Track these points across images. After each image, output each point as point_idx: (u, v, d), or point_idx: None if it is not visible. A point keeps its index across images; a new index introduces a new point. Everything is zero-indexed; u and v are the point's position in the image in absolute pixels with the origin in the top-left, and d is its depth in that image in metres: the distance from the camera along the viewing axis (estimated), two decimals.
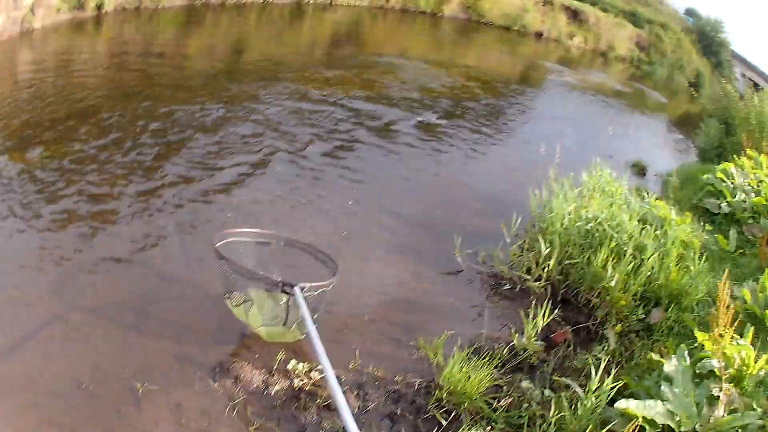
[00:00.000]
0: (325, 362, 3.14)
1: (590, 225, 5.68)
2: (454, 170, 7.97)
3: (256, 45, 12.65)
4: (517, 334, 4.70)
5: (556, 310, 4.83)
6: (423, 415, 3.86)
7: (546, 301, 5.01)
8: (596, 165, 7.10)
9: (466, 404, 3.88)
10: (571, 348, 4.78)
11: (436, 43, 17.72)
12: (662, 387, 3.66)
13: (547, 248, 5.43)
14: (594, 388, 3.70)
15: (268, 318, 4.09)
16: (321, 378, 3.96)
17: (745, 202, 7.67)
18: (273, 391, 3.83)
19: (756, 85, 21.47)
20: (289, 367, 3.98)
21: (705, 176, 8.40)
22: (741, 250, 6.78)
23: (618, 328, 4.91)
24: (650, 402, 3.56)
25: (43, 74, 8.29)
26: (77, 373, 3.70)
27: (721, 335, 3.91)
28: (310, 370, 4.00)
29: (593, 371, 3.79)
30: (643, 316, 5.03)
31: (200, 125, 7.53)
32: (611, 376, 3.77)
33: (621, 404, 3.56)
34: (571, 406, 3.79)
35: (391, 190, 7.06)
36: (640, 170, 10.08)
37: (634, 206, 6.23)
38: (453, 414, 3.89)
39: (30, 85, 7.77)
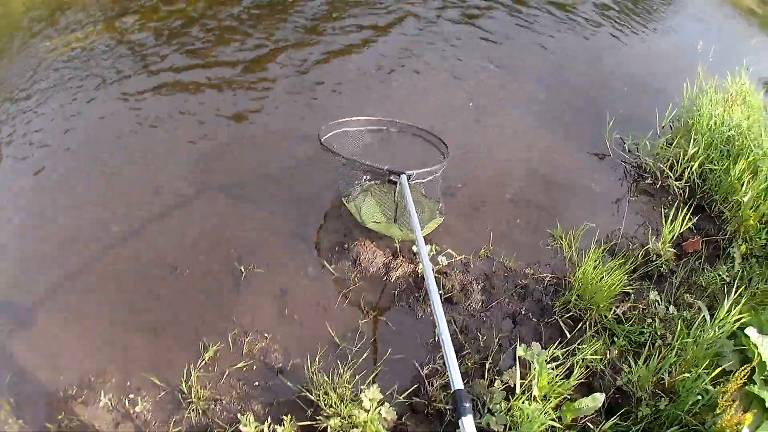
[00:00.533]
0: (426, 263, 2.99)
1: (732, 132, 5.23)
2: (601, 47, 7.19)
3: None
4: (653, 238, 4.56)
5: (691, 216, 4.62)
6: (547, 319, 3.84)
7: (683, 204, 4.91)
8: (741, 72, 6.29)
9: (593, 311, 3.84)
10: (699, 261, 4.61)
11: None
12: None
13: (694, 148, 5.09)
14: (721, 317, 3.61)
15: (381, 212, 3.97)
16: (448, 264, 3.94)
17: None
18: (393, 277, 3.80)
19: None
20: (415, 249, 3.88)
21: None
22: None
23: (743, 248, 4.66)
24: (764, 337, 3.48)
25: None
26: (183, 251, 3.85)
27: None
28: (438, 254, 3.95)
29: (725, 300, 3.68)
30: (765, 240, 4.76)
31: None
32: (738, 306, 3.63)
33: (750, 332, 3.51)
34: (689, 329, 3.76)
35: (533, 61, 6.50)
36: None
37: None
38: (576, 323, 3.86)
39: None
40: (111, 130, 4.84)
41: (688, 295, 4.22)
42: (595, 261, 3.90)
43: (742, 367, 3.31)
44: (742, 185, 4.83)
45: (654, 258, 4.43)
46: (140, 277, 3.79)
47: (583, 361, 3.49)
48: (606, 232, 4.61)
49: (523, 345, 3.50)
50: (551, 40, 6.87)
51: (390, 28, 6.33)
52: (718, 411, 3.15)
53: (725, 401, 3.16)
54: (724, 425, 3.06)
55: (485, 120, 5.34)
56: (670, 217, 4.50)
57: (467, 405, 2.23)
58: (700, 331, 3.63)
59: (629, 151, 5.45)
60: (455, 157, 4.58)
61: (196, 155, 4.61)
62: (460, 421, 2.20)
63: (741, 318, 3.60)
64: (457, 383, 2.36)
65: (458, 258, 4.05)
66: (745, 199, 4.72)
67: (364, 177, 3.97)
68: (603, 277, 3.81)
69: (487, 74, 5.96)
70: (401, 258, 3.94)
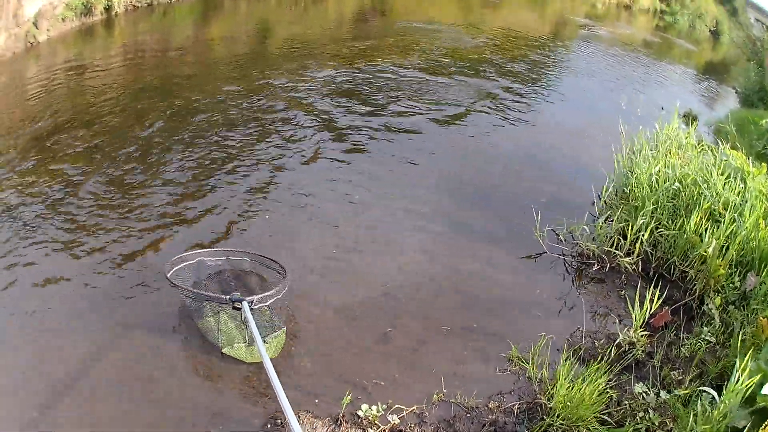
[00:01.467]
0: (277, 385, 2.95)
1: (677, 185, 5.08)
2: (509, 135, 7.29)
3: (280, 27, 12.02)
4: (620, 327, 4.19)
5: (656, 291, 4.21)
6: None
7: (644, 281, 4.70)
8: (666, 117, 6.45)
9: (580, 428, 3.30)
10: (673, 332, 4.22)
11: (465, 8, 17.03)
12: None
13: (642, 217, 4.83)
14: (733, 389, 3.14)
15: (233, 338, 3.85)
16: (400, 421, 3.43)
17: None
18: None
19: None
20: (360, 412, 3.42)
21: (764, 122, 7.71)
22: None
23: (718, 300, 4.29)
24: None
25: (54, 84, 7.86)
26: None
27: None
28: (387, 411, 3.46)
29: (735, 372, 3.21)
30: (739, 283, 4.43)
31: (226, 116, 7.10)
32: (746, 371, 3.18)
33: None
34: (685, 405, 3.41)
35: (447, 162, 6.43)
36: (691, 119, 9.38)
37: (716, 159, 5.56)
38: None
39: (41, 96, 7.40)
40: None
41: (674, 372, 3.79)
42: (569, 376, 3.46)
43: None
44: (702, 237, 4.57)
45: (627, 348, 3.99)
46: None
47: None
48: (567, 337, 4.18)
49: None
50: (462, 139, 6.95)
51: None
52: None
53: None
54: None
55: (405, 242, 5.07)
56: (636, 301, 4.12)
57: None
58: (709, 412, 3.19)
59: (565, 241, 5.14)
60: (378, 298, 4.36)
61: None
62: None
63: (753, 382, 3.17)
64: None
65: (410, 410, 3.50)
66: (710, 250, 4.43)
67: (209, 306, 3.95)
68: (582, 390, 3.34)
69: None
70: (345, 425, 3.38)
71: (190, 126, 6.69)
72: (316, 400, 3.49)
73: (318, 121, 7.06)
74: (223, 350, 3.77)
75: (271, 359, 3.30)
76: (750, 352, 3.43)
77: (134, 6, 11.37)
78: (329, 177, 5.93)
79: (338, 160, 6.29)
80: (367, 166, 6.18)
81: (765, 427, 2.90)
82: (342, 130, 6.94)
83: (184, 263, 4.16)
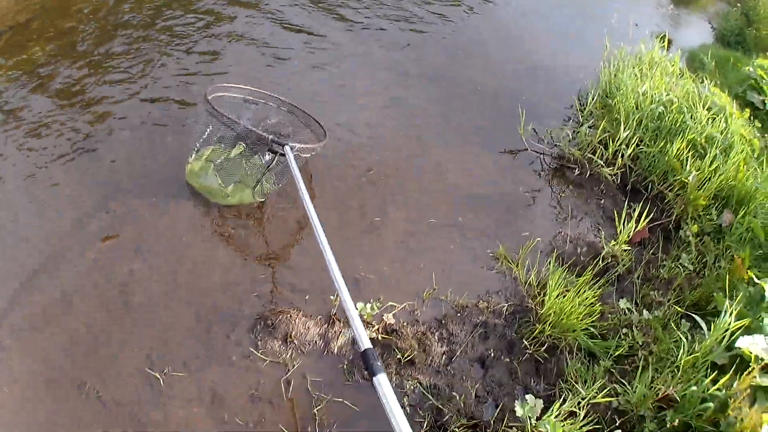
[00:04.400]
0: (322, 237, 2.94)
1: (662, 108, 5.13)
2: (489, 33, 6.93)
3: None
4: (603, 238, 4.36)
5: (636, 207, 4.40)
6: (519, 356, 3.47)
7: (622, 193, 4.82)
8: (639, 33, 6.39)
9: (568, 338, 3.50)
10: (652, 251, 4.41)
11: None
12: (765, 319, 3.46)
13: (627, 131, 4.90)
14: (722, 327, 3.36)
15: (226, 180, 3.93)
16: (395, 320, 3.52)
17: None
18: (336, 348, 3.35)
19: None
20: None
21: (746, 68, 7.77)
22: None
23: (695, 228, 4.54)
24: (756, 337, 3.35)
25: None
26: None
27: None
28: (381, 310, 3.53)
29: (724, 312, 3.40)
30: (716, 216, 4.67)
31: None
32: (732, 314, 3.38)
33: (742, 342, 3.30)
34: (665, 326, 3.64)
35: (429, 49, 6.12)
36: (666, 43, 9.28)
37: (700, 93, 5.63)
38: (550, 352, 3.51)
39: None
40: None
41: (654, 292, 4.01)
42: (559, 285, 3.60)
43: (750, 366, 3.16)
44: (683, 164, 4.70)
45: (611, 261, 4.18)
46: None
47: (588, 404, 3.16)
48: (549, 239, 4.31)
49: (517, 402, 3.13)
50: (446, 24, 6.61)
51: None
52: (730, 412, 3.01)
53: (738, 402, 3.02)
54: (744, 427, 2.92)
55: (393, 132, 4.94)
56: (623, 215, 4.27)
57: (378, 363, 2.24)
58: (695, 344, 3.41)
59: (546, 142, 5.17)
60: (363, 184, 4.31)
61: None
62: (375, 380, 2.17)
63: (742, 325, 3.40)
64: (366, 343, 2.33)
65: (401, 307, 3.60)
66: (690, 179, 4.60)
67: (237, 142, 3.93)
68: (572, 300, 3.50)
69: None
70: (339, 324, 3.45)
71: None
72: (307, 297, 3.54)
73: None
74: (205, 185, 3.90)
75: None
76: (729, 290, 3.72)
77: None
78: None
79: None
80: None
81: (749, 374, 3.10)
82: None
83: (224, 93, 4.09)
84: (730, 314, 3.36)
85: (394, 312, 3.55)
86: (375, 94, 5.29)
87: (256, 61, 5.36)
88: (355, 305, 3.15)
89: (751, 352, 3.24)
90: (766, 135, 6.16)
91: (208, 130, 3.93)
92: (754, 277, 3.87)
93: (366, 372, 2.27)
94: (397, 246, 3.96)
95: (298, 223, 4.01)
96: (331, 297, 3.53)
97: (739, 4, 12.32)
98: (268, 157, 3.83)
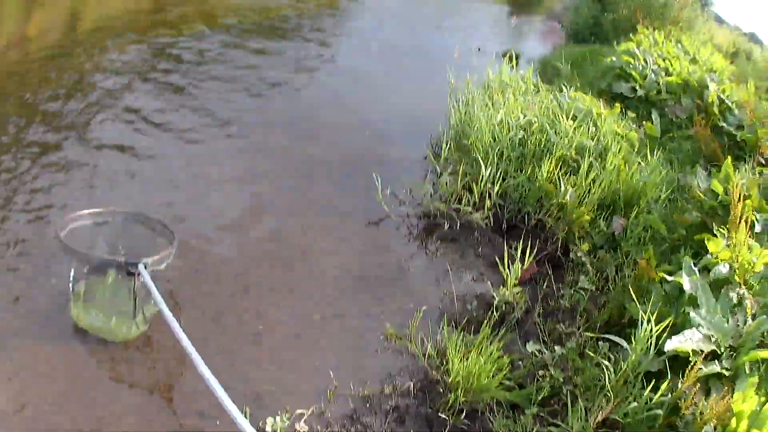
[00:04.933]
0: (191, 350, 2.83)
1: (523, 133, 5.12)
2: (327, 99, 6.93)
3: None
4: (490, 286, 4.17)
5: (518, 244, 4.21)
6: (441, 429, 3.16)
7: (498, 234, 4.74)
8: (483, 57, 6.50)
9: (484, 399, 3.23)
10: (545, 284, 4.28)
11: None
12: (691, 313, 3.31)
13: (489, 168, 4.76)
14: (645, 336, 3.17)
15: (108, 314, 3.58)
16: (309, 428, 3.16)
17: (658, 83, 7.40)
18: None
19: None
20: (268, 427, 3.11)
21: (609, 59, 8.06)
22: (669, 134, 6.57)
23: (585, 246, 4.45)
24: (687, 332, 3.21)
25: None
26: None
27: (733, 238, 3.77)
28: (293, 421, 3.16)
29: (643, 322, 3.21)
30: (605, 226, 4.61)
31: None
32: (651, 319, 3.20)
33: (671, 345, 3.14)
34: (582, 355, 3.46)
35: (266, 130, 5.98)
36: (513, 59, 9.56)
37: (559, 102, 5.69)
38: (471, 417, 3.24)
39: None
40: None
41: (560, 325, 3.83)
42: (459, 349, 3.34)
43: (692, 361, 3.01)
44: (557, 185, 4.61)
45: (505, 308, 3.96)
46: None
47: None
48: (436, 304, 4.08)
49: None
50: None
51: None
52: (685, 411, 2.86)
53: (690, 400, 2.88)
54: (707, 419, 2.75)
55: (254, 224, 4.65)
56: (505, 259, 4.08)
57: None
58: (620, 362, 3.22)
59: (407, 203, 5.03)
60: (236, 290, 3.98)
61: None
62: None
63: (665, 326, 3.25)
64: None
65: (309, 413, 3.22)
66: (567, 198, 4.52)
67: (103, 271, 3.65)
68: (476, 361, 3.23)
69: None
70: None
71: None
72: (218, 422, 3.13)
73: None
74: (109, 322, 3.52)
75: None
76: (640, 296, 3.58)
77: None
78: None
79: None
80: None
81: (692, 369, 2.94)
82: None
83: (75, 224, 3.74)
84: (648, 320, 3.20)
85: (304, 419, 3.18)
86: (223, 187, 5.03)
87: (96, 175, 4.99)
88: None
89: (686, 349, 3.12)
90: (643, 123, 6.27)
91: (72, 268, 3.61)
92: (665, 275, 3.74)
93: None
94: (286, 349, 3.62)
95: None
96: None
97: None
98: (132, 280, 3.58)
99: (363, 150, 5.78)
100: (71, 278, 3.59)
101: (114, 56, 7.28)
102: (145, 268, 3.39)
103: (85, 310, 3.57)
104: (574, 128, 5.17)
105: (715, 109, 6.83)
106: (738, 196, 3.97)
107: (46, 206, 4.49)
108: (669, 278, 3.69)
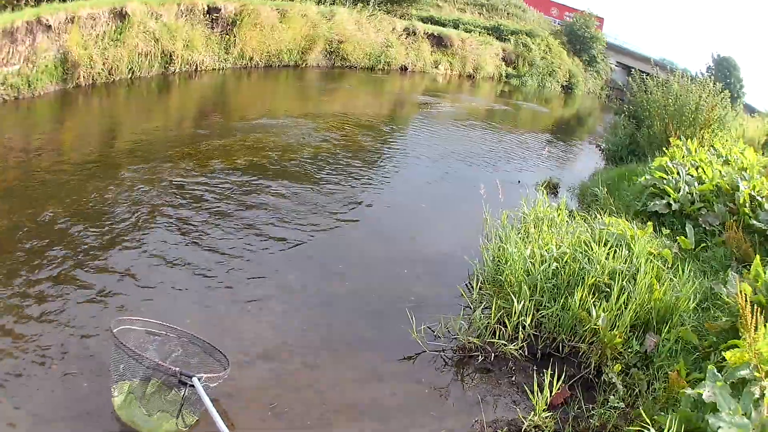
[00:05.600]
0: None
1: (556, 264, 5.25)
2: (363, 240, 7.17)
3: (127, 124, 11.60)
4: (520, 412, 4.22)
5: (548, 372, 4.28)
6: None
7: (532, 363, 4.77)
8: (523, 190, 6.63)
9: None
10: (576, 406, 4.30)
11: (302, 95, 16.98)
12: (710, 420, 3.35)
13: (521, 301, 4.89)
14: None
15: (151, 411, 3.93)
16: None
17: (691, 194, 7.49)
18: None
19: (630, 69, 22.16)
20: None
21: (643, 178, 8.16)
22: (703, 245, 6.55)
23: (617, 367, 4.49)
24: None
25: None
26: None
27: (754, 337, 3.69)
28: None
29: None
30: (637, 347, 4.65)
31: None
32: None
33: None
34: None
35: (309, 275, 6.13)
36: (551, 188, 9.83)
37: (593, 230, 5.86)
38: None
39: None
40: None
41: None
42: None
43: None
44: (589, 312, 4.71)
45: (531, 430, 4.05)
46: None
47: None
48: None
49: None
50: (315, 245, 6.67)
51: None
52: None
53: None
54: None
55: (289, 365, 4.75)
56: (535, 385, 4.18)
57: None
58: None
59: (443, 338, 5.10)
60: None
61: None
62: None
63: None
64: None
65: None
66: (600, 323, 4.60)
67: (142, 375, 3.97)
68: None
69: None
70: None
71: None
72: None
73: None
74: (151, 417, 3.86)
75: None
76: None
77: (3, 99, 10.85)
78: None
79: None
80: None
81: None
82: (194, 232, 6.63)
83: (129, 326, 4.18)
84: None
85: None
86: (261, 317, 5.21)
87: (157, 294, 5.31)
88: None
89: None
90: (677, 238, 6.22)
91: (122, 366, 3.94)
92: (686, 390, 3.72)
93: None
94: None
95: None
96: None
97: (624, 109, 12.64)
98: (182, 389, 3.90)
99: (397, 287, 5.95)
100: (115, 375, 3.92)
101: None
102: (199, 381, 3.75)
103: (126, 403, 3.90)
104: (607, 254, 5.29)
105: (747, 209, 6.80)
106: (745, 297, 3.90)
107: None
108: (689, 392, 3.67)
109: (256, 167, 9.05)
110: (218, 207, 7.25)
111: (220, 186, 7.98)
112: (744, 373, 3.68)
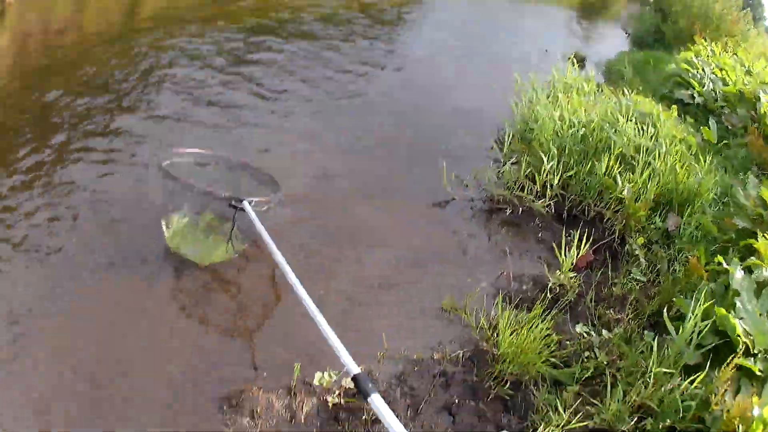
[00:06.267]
0: (289, 272, 3.35)
1: (584, 130, 5.28)
2: (398, 89, 7.26)
3: None
4: (546, 269, 4.33)
5: (576, 233, 4.38)
6: (484, 397, 3.36)
7: (559, 222, 4.87)
8: (551, 59, 6.65)
9: (530, 372, 3.43)
10: (600, 272, 4.42)
11: None
12: (738, 303, 3.47)
13: (551, 161, 4.97)
14: (690, 327, 3.33)
15: (201, 239, 4.13)
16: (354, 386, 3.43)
17: (714, 92, 7.53)
18: (303, 417, 3.21)
19: None
20: (315, 381, 3.37)
21: (669, 66, 8.13)
22: (725, 141, 6.61)
23: (640, 240, 4.61)
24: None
25: None
26: None
27: None
28: (339, 377, 3.42)
29: (689, 315, 3.36)
30: (661, 222, 4.77)
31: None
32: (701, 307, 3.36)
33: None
34: (628, 341, 3.61)
35: (344, 115, 6.33)
36: (579, 61, 9.66)
37: (621, 105, 5.82)
38: (515, 387, 3.43)
39: None
40: None
41: (610, 311, 3.99)
42: (510, 324, 3.55)
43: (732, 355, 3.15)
44: (615, 180, 4.79)
45: (559, 291, 4.17)
46: None
47: None
48: (492, 281, 4.29)
49: None
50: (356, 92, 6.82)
51: None
52: (714, 407, 2.96)
53: (721, 395, 3.00)
54: (732, 416, 2.85)
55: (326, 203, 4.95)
56: (563, 244, 4.28)
57: (370, 385, 2.46)
58: (664, 350, 3.37)
59: (471, 188, 5.24)
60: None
61: None
62: (370, 401, 2.40)
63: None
64: (354, 368, 2.59)
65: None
66: (625, 193, 4.69)
67: (192, 205, 4.16)
68: (526, 336, 3.44)
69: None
70: (301, 394, 3.29)
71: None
72: (265, 374, 3.40)
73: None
74: (183, 249, 4.01)
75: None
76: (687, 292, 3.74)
77: None
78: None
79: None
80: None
81: (729, 365, 3.08)
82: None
83: (178, 159, 4.27)
84: (694, 314, 3.34)
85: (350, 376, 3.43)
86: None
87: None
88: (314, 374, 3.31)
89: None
90: (701, 128, 6.35)
91: (172, 198, 4.09)
92: (722, 262, 3.83)
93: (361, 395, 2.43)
94: (344, 312, 3.88)
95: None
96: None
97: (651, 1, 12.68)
98: (232, 213, 4.02)
99: (431, 138, 6.03)
100: (169, 208, 4.10)
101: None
102: (249, 204, 3.87)
103: (179, 235, 4.05)
104: (634, 128, 5.34)
105: (767, 121, 6.90)
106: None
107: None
108: (724, 266, 3.78)
109: (297, 30, 9.02)
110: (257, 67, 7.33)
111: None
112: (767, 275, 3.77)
